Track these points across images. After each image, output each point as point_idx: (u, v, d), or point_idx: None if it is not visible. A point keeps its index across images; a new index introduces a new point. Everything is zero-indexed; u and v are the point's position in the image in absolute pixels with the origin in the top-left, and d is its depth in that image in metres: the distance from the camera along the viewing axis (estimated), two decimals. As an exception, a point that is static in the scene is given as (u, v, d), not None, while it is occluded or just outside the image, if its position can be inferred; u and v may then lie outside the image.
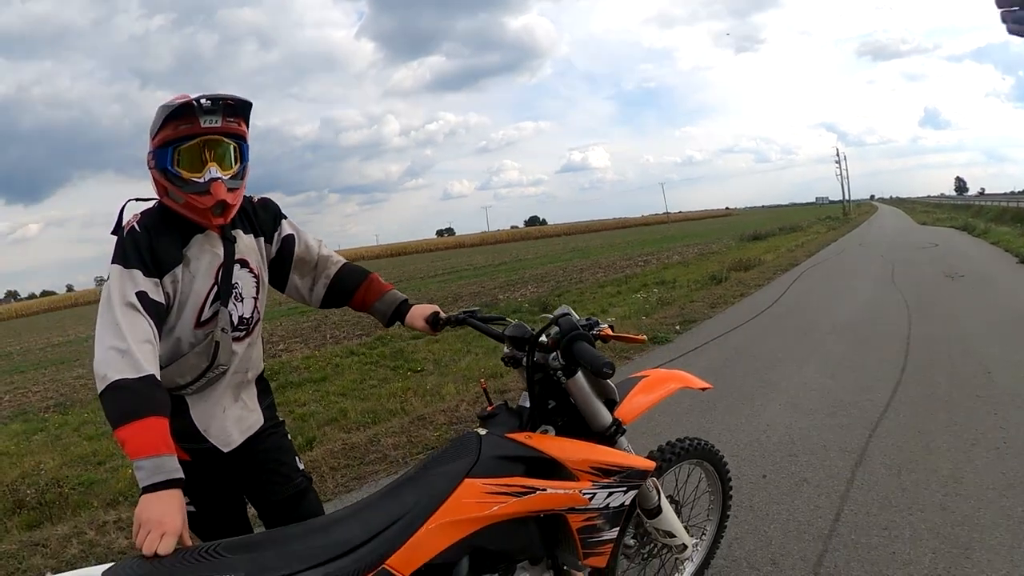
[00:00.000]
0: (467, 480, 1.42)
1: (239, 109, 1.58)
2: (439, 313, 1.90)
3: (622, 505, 1.65)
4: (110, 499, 4.28)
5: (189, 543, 1.32)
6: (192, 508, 1.63)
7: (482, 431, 1.55)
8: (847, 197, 56.68)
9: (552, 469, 1.53)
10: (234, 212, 1.64)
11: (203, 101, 1.50)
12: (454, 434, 3.99)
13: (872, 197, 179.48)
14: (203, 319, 1.62)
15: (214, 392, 1.69)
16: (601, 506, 1.59)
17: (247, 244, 1.72)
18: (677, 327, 7.19)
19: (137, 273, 1.49)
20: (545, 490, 1.49)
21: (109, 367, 1.37)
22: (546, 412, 1.64)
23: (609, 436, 1.70)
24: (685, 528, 2.01)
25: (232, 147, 1.60)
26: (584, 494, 1.55)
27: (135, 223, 1.56)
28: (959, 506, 2.61)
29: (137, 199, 1.65)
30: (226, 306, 1.64)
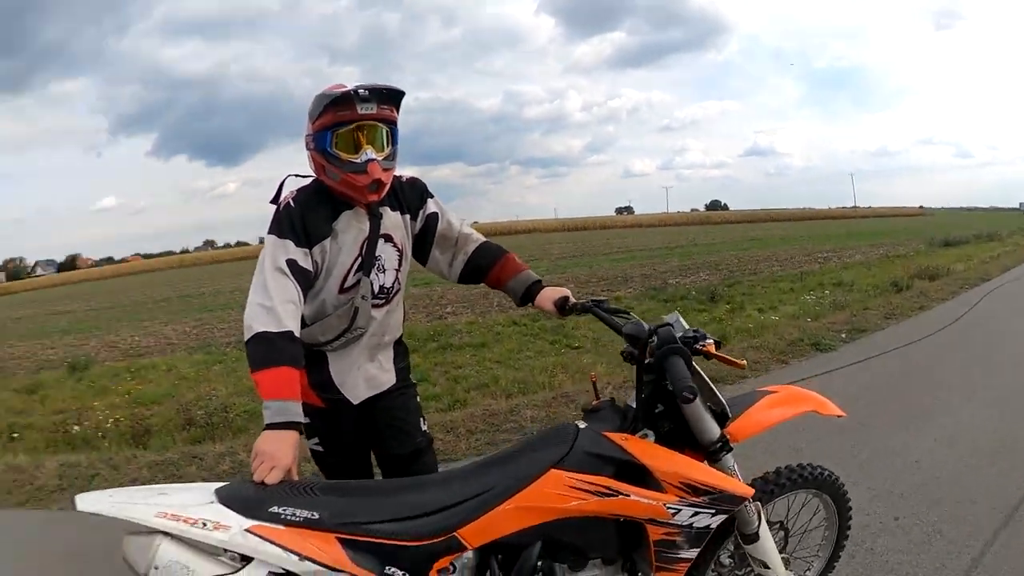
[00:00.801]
0: (553, 470, 1.46)
1: (392, 97, 1.72)
2: (568, 298, 1.93)
3: (708, 527, 1.59)
4: (267, 428, 4.81)
5: (295, 478, 1.50)
6: (321, 448, 1.94)
7: (582, 424, 1.57)
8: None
9: (641, 476, 1.51)
10: (386, 190, 1.79)
11: (360, 91, 1.65)
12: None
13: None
14: (346, 286, 1.80)
15: (352, 351, 1.87)
16: (684, 524, 1.55)
17: (393, 220, 1.86)
18: (843, 335, 6.68)
19: (289, 243, 1.69)
20: (629, 496, 1.49)
21: (255, 320, 1.58)
22: (652, 416, 1.61)
23: (713, 452, 1.63)
24: (787, 559, 1.92)
25: (384, 131, 1.75)
26: (668, 508, 1.53)
27: (291, 199, 1.75)
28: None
29: (296, 175, 1.85)
30: (368, 276, 1.80)
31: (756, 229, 45.33)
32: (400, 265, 1.90)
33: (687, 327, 1.63)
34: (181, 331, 12.36)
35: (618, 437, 1.54)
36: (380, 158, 1.71)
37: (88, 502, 1.43)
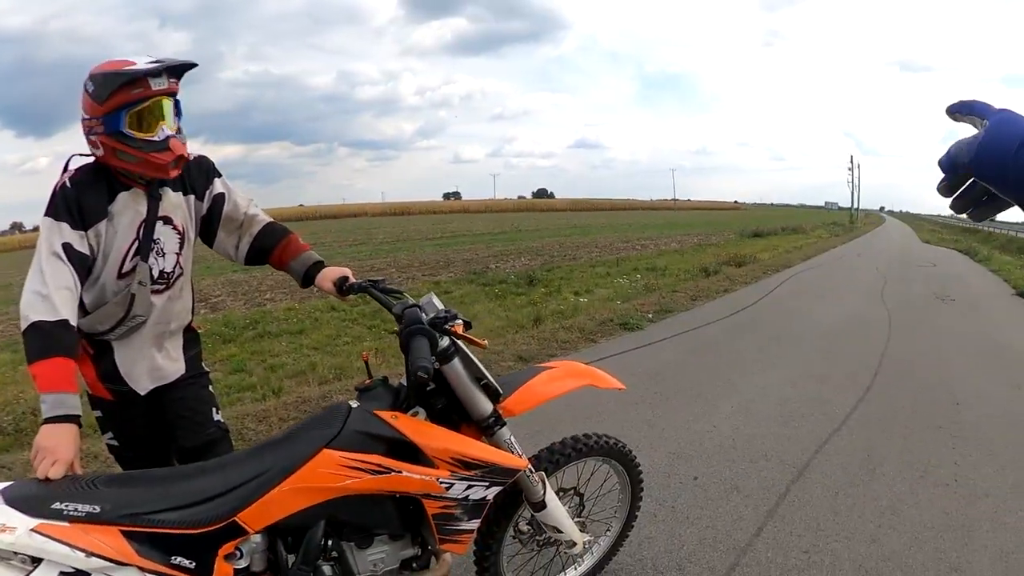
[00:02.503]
0: (325, 450, 1.45)
1: (178, 70, 1.66)
2: (348, 277, 1.89)
3: (484, 499, 1.63)
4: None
5: (79, 471, 1.46)
6: (115, 442, 1.91)
7: (354, 404, 1.56)
8: (855, 205, 54.29)
9: (413, 453, 1.52)
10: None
11: (153, 67, 1.58)
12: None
13: (882, 209, 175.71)
14: (124, 271, 1.73)
15: (136, 339, 1.80)
16: (459, 497, 1.58)
17: (173, 201, 1.78)
18: (650, 316, 7.08)
19: (64, 226, 1.61)
20: (401, 472, 1.50)
21: (31, 309, 1.53)
22: (424, 393, 1.62)
23: (487, 427, 1.67)
24: (583, 523, 2.00)
25: (172, 105, 1.68)
26: (441, 483, 1.55)
27: (66, 180, 1.65)
28: (890, 541, 2.48)
29: (83, 155, 1.73)
30: (146, 260, 1.73)
31: (580, 218, 47.32)
32: (181, 249, 1.82)
33: (440, 308, 1.63)
34: (-17, 329, 10.72)
35: (387, 415, 1.54)
36: (175, 133, 1.66)
37: None
